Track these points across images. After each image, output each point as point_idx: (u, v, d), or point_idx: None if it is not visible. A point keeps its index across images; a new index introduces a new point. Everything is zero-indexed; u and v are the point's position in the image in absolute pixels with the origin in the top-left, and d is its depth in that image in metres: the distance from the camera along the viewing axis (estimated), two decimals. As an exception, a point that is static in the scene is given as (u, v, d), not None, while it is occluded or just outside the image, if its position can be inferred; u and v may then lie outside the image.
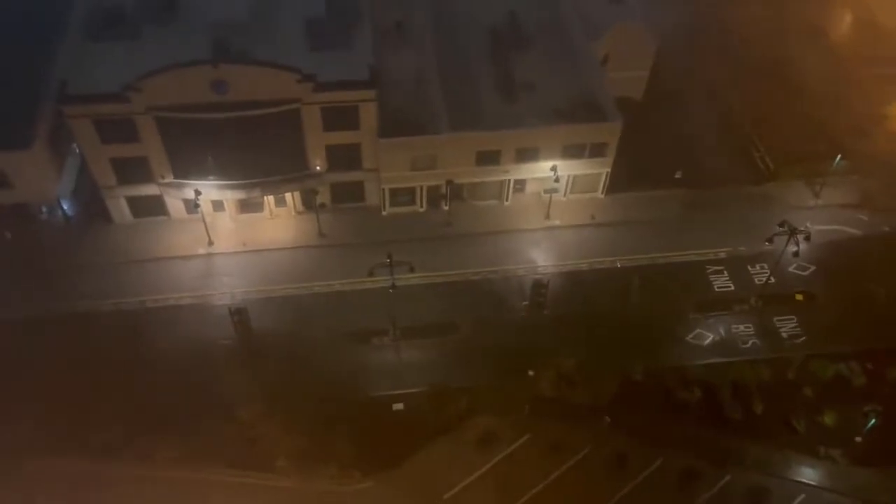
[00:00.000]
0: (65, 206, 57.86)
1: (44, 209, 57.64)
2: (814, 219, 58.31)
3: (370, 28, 57.27)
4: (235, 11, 56.07)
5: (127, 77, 50.94)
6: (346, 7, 57.76)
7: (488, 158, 57.38)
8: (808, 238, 50.62)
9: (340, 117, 54.36)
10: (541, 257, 57.55)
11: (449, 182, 57.54)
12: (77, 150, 56.59)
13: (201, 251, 57.24)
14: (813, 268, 56.87)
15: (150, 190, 56.84)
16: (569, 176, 59.20)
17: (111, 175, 55.75)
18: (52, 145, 54.92)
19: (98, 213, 57.97)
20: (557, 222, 59.55)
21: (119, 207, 57.79)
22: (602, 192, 61.04)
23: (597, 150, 57.84)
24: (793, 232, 49.73)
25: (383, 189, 58.69)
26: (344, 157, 56.74)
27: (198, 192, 54.44)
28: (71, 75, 52.71)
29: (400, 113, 56.39)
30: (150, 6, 56.61)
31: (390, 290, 49.34)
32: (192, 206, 56.22)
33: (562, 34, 62.80)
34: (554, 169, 57.00)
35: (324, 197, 58.52)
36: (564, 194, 60.46)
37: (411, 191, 59.19)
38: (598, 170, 59.33)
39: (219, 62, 50.97)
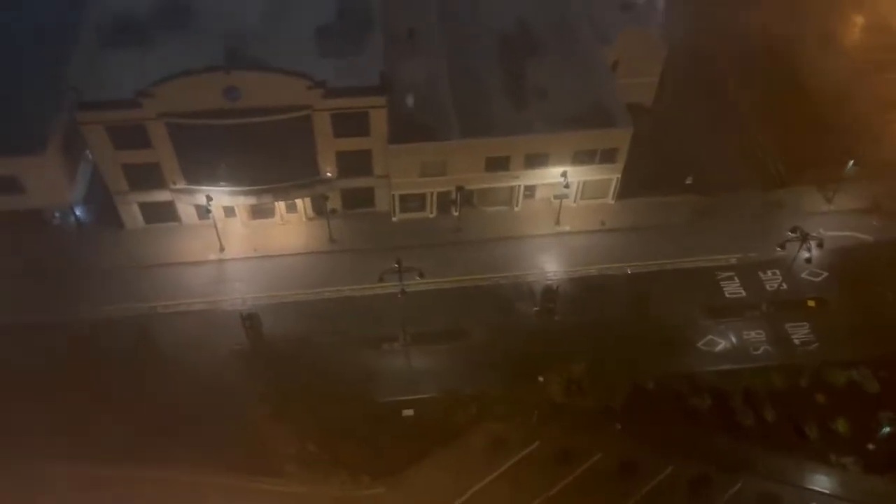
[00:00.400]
0: (77, 212, 58.29)
1: (56, 214, 58.08)
2: (826, 224, 58.01)
3: (381, 35, 57.48)
4: (247, 19, 56.42)
5: (139, 84, 51.33)
6: (357, 14, 58.00)
7: (498, 164, 57.43)
8: (820, 244, 50.33)
9: (351, 124, 54.55)
10: (551, 263, 57.50)
11: (459, 188, 57.61)
12: (90, 156, 56.99)
13: (213, 257, 57.51)
14: (825, 274, 56.54)
15: (161, 196, 57.20)
16: (579, 182, 59.17)
17: (123, 181, 56.15)
18: (65, 151, 55.37)
19: (110, 218, 58.31)
20: (567, 228, 59.50)
21: (131, 213, 58.18)
22: (612, 198, 60.96)
23: (607, 156, 57.79)
24: (805, 238, 49.49)
25: (393, 195, 58.84)
26: (354, 163, 56.92)
27: (209, 198, 54.76)
28: (84, 82, 53.12)
29: (410, 119, 56.57)
30: (163, 14, 56.98)
31: (399, 296, 49.46)
32: (203, 211, 56.55)
33: (572, 40, 62.79)
34: (564, 175, 56.98)
35: (334, 203, 58.72)
36: (574, 200, 60.41)
37: (421, 197, 59.31)
38: (608, 175, 59.27)
39: (230, 69, 51.27)
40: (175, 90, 51.31)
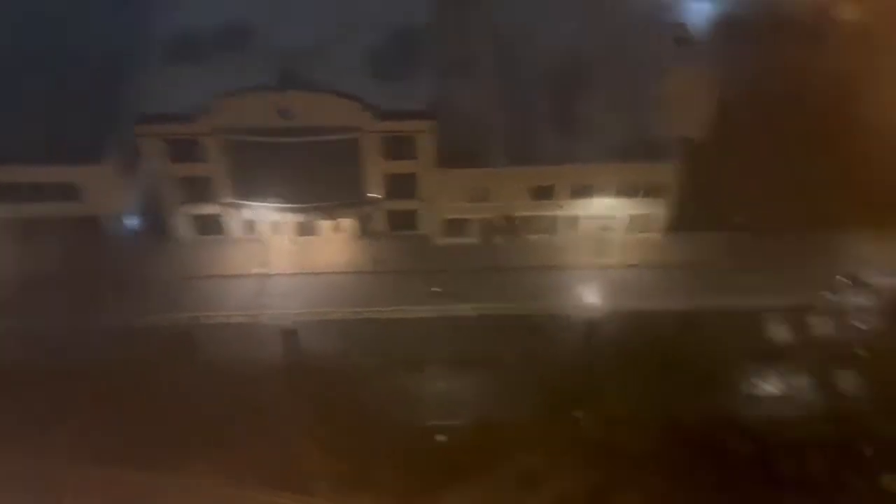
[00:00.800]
0: (130, 221, 59.83)
1: (111, 223, 59.67)
2: (879, 270, 56.17)
3: (434, 59, 58.09)
4: (304, 40, 57.55)
5: (197, 99, 52.87)
6: (411, 38, 58.74)
7: (543, 193, 57.35)
8: (872, 291, 48.84)
9: (399, 146, 55.19)
10: (592, 295, 56.66)
11: (503, 215, 57.61)
12: (146, 168, 58.54)
13: (257, 271, 58.37)
14: (876, 322, 54.68)
15: (211, 209, 58.47)
16: (624, 214, 58.60)
17: (176, 193, 57.60)
18: (121, 161, 56.99)
19: (161, 229, 59.74)
20: (611, 261, 58.81)
21: (182, 225, 59.54)
22: (658, 233, 60.16)
23: (654, 190, 57.23)
24: (856, 283, 48.10)
25: (438, 219, 59.07)
26: (401, 186, 57.43)
27: (257, 214, 55.81)
28: (144, 95, 54.89)
29: (458, 144, 56.79)
30: (224, 33, 58.45)
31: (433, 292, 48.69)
32: (250, 226, 57.56)
33: (625, 72, 62.40)
34: (609, 207, 56.50)
35: (379, 224, 59.23)
36: (619, 233, 59.75)
37: (465, 222, 59.42)
38: (654, 210, 58.61)
39: (285, 89, 52.44)
40: (230, 107, 52.69)
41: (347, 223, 59.85)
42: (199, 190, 57.28)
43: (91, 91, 58.20)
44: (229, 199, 57.63)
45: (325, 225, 59.83)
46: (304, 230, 60.17)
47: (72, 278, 56.34)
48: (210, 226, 59.72)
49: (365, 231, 59.47)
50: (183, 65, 56.55)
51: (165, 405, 49.53)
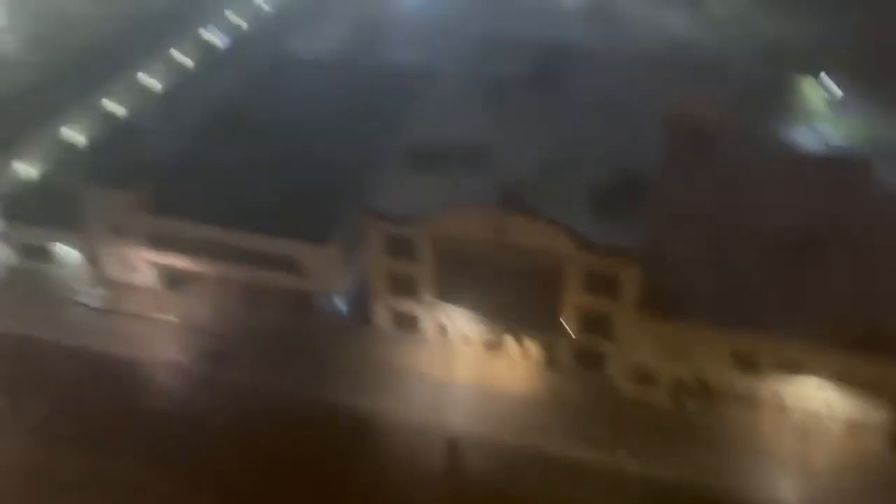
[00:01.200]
0: (339, 303, 64.26)
1: (322, 301, 64.51)
2: None
3: (654, 204, 57.56)
4: (531, 165, 59.91)
5: (422, 206, 56.77)
6: (634, 179, 58.77)
7: (748, 363, 53.22)
8: None
9: (602, 283, 54.63)
10: (782, 490, 50.48)
11: (698, 377, 54.13)
12: (364, 257, 63.04)
13: (439, 375, 59.46)
14: None
15: (412, 307, 61.21)
16: (836, 408, 52.35)
17: (385, 285, 61.20)
18: (343, 247, 61.90)
19: (365, 316, 63.28)
20: (820, 462, 52.07)
21: (382, 315, 62.80)
22: (875, 439, 52.76)
23: (882, 391, 50.73)
24: None
25: (628, 367, 56.89)
26: (596, 324, 56.47)
27: (452, 320, 57.48)
28: (376, 193, 59.86)
29: (663, 293, 54.91)
30: (459, 149, 62.38)
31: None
32: (443, 331, 59.27)
33: (863, 251, 57.21)
34: (819, 395, 50.95)
35: (567, 357, 58.28)
36: (826, 427, 53.27)
37: (657, 376, 56.58)
38: (873, 411, 51.78)
39: (504, 209, 54.70)
40: (450, 218, 55.81)
41: (536, 348, 59.63)
42: (405, 287, 60.39)
43: (334, 185, 64.77)
44: (430, 301, 60.12)
45: (513, 345, 60.09)
46: (493, 346, 60.79)
47: (276, 343, 61.55)
48: (407, 322, 62.38)
49: (551, 360, 58.76)
50: (418, 172, 61.05)
51: (317, 484, 51.34)
